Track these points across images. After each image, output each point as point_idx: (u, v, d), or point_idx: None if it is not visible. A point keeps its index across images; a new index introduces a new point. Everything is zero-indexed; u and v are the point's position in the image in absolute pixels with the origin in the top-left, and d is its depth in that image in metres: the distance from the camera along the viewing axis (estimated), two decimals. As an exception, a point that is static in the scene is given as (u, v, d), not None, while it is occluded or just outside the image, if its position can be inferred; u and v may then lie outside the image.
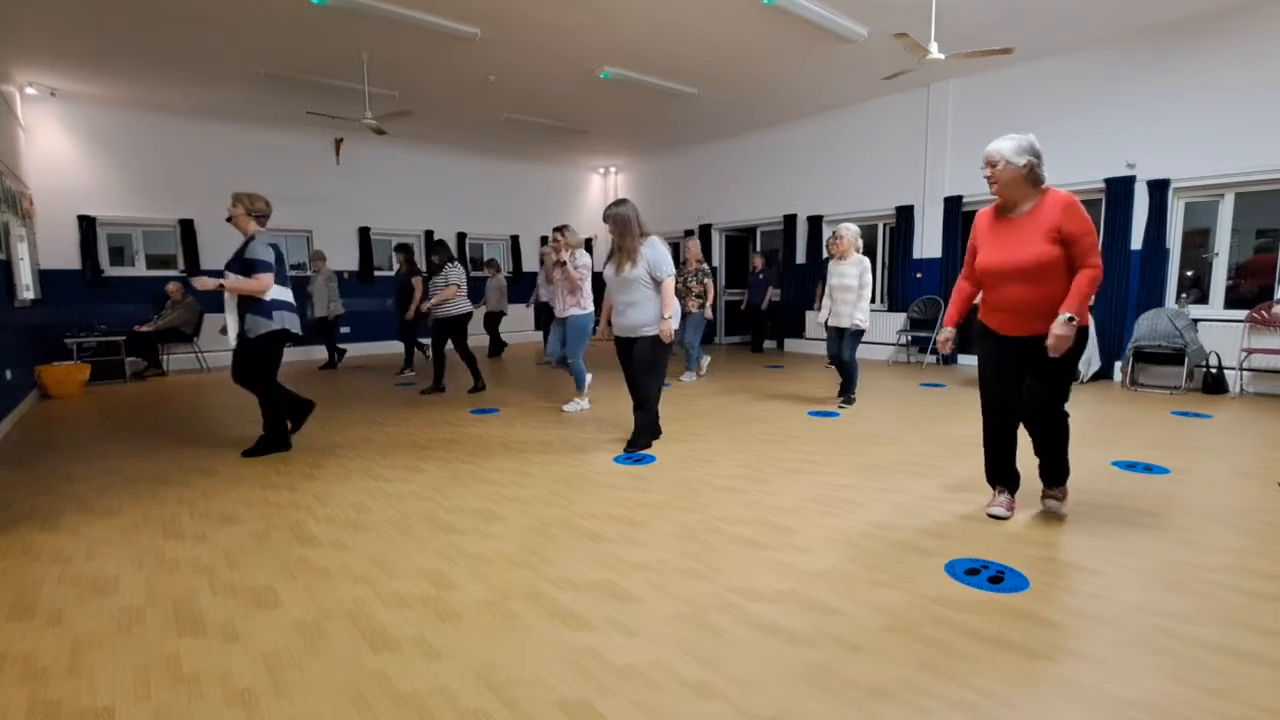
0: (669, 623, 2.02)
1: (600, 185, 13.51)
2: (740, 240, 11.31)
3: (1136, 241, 6.58)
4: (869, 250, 9.10)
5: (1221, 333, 6.07)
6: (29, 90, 7.57)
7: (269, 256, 3.95)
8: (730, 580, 2.31)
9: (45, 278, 7.83)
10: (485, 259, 10.76)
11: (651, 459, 3.95)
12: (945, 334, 2.96)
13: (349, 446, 4.39)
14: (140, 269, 8.83)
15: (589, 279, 5.33)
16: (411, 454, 4.17)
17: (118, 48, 6.50)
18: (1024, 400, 2.75)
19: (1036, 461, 2.91)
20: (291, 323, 4.09)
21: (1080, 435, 4.42)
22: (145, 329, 8.02)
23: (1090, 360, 6.69)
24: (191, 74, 7.30)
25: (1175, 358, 6.11)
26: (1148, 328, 6.20)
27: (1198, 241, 6.55)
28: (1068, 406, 2.77)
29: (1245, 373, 5.94)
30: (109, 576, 2.43)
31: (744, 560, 2.48)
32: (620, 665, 1.79)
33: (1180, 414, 5.11)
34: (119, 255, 8.76)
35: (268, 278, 3.93)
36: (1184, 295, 6.51)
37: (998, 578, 2.29)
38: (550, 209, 12.65)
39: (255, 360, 4.06)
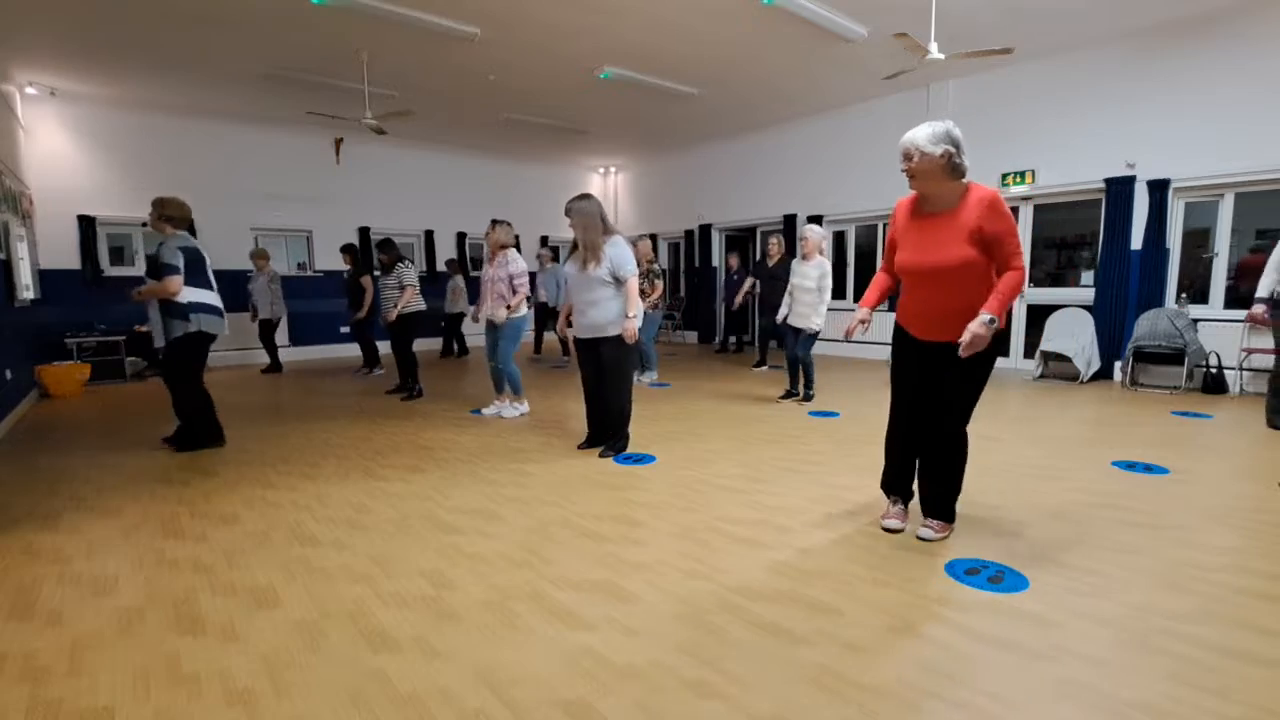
0: (669, 623, 2.02)
1: (600, 185, 13.50)
2: (740, 240, 11.31)
3: (1136, 241, 6.58)
4: (870, 250, 9.15)
5: (1221, 332, 6.08)
6: (29, 90, 7.57)
7: (176, 260, 3.99)
8: (730, 580, 2.31)
9: (45, 278, 7.83)
10: (445, 259, 10.63)
11: (651, 459, 3.95)
12: (860, 314, 2.69)
13: (349, 446, 4.39)
14: (140, 269, 8.81)
15: (527, 286, 5.01)
16: (411, 454, 4.17)
17: (118, 48, 6.50)
18: (929, 404, 2.57)
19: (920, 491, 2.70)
20: (209, 324, 4.16)
21: (1080, 435, 4.45)
22: (145, 329, 8.02)
23: (1090, 360, 6.69)
24: (191, 74, 7.30)
25: (1175, 358, 6.11)
26: (1148, 328, 6.20)
27: (1198, 241, 6.55)
28: (969, 427, 2.58)
29: (1245, 372, 5.94)
30: (109, 576, 2.43)
31: (744, 560, 2.48)
32: (620, 665, 1.79)
33: (1180, 414, 5.11)
34: (119, 255, 8.76)
35: (175, 280, 3.97)
36: (1184, 295, 6.51)
37: (998, 578, 2.29)
38: (550, 209, 12.60)
39: (174, 362, 4.14)
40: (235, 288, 9.14)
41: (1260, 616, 2.01)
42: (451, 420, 5.18)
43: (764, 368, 7.92)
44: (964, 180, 2.40)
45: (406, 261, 6.23)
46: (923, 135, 2.34)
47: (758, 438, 4.45)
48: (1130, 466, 3.66)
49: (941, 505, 2.64)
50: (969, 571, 2.34)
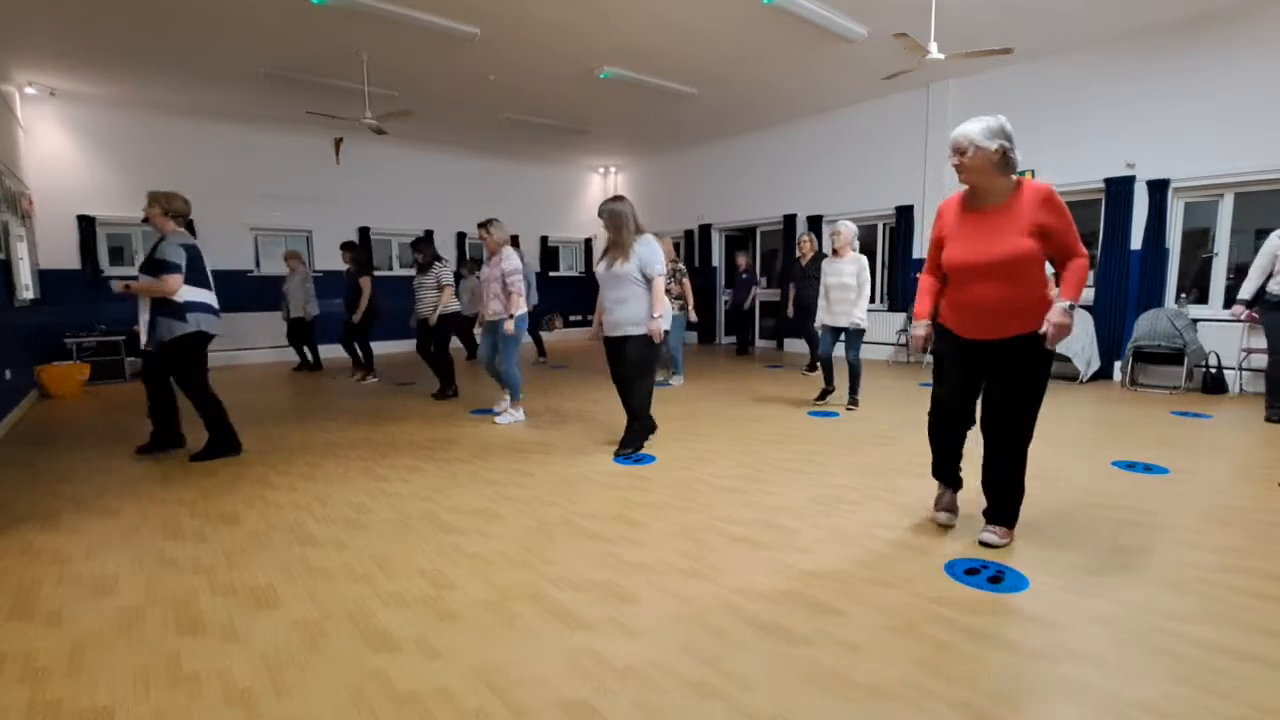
0: (669, 623, 2.02)
1: (600, 185, 13.51)
2: (740, 240, 11.32)
3: (1136, 241, 6.58)
4: (869, 250, 9.14)
5: (1221, 333, 6.08)
6: (29, 90, 7.58)
7: (178, 257, 3.82)
8: (730, 580, 2.31)
9: (45, 278, 7.82)
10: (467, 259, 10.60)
11: (651, 459, 3.94)
12: (921, 327, 2.64)
13: (349, 446, 4.39)
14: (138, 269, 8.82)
15: (521, 284, 4.91)
16: (411, 454, 4.17)
17: (118, 48, 6.50)
18: (988, 411, 2.52)
19: (983, 499, 2.65)
20: (208, 324, 3.96)
21: (1080, 435, 4.45)
22: (138, 329, 8.00)
23: (1090, 360, 6.69)
24: (191, 74, 7.30)
25: (1175, 358, 6.11)
26: (1147, 327, 6.20)
27: (1198, 241, 6.56)
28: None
29: (1245, 372, 5.94)
30: (109, 576, 2.43)
31: (744, 560, 2.48)
32: (620, 665, 1.79)
33: (1180, 414, 5.11)
34: (119, 255, 8.76)
35: (175, 279, 3.80)
36: (1183, 295, 6.51)
37: (998, 578, 2.29)
38: (550, 209, 12.66)
39: (175, 365, 3.95)
40: (235, 287, 9.17)
41: (1260, 616, 2.01)
42: (451, 420, 5.18)
43: (816, 370, 7.77)
44: (1013, 175, 2.37)
45: (444, 261, 6.14)
46: (977, 130, 2.30)
47: (758, 438, 4.45)
48: (1130, 466, 3.66)
49: (1009, 515, 2.58)
50: (969, 571, 2.34)
